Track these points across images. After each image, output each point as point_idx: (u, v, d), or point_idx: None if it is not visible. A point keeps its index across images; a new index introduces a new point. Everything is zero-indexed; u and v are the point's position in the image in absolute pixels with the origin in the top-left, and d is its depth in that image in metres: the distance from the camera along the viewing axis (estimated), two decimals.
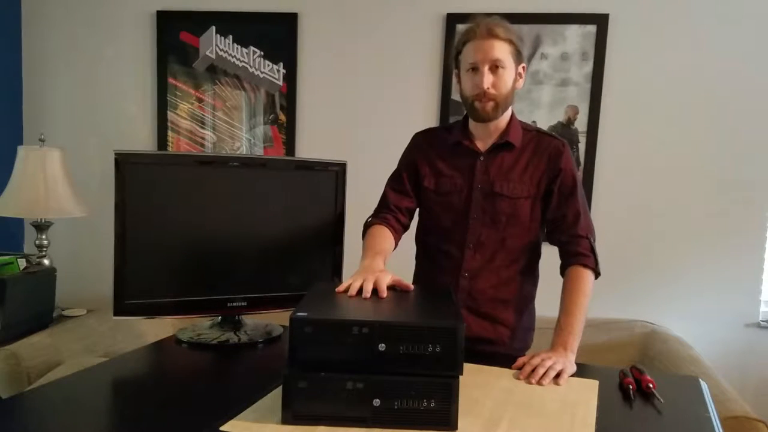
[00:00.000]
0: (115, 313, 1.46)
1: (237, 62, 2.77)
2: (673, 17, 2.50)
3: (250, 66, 2.77)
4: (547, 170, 1.52)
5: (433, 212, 1.59)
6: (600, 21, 2.53)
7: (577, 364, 1.34)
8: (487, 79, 1.44)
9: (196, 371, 1.39)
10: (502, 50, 1.43)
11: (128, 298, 1.46)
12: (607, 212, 2.56)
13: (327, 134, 2.76)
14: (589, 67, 2.56)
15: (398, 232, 1.60)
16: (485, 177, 1.52)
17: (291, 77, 2.75)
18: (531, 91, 2.60)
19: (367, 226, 1.59)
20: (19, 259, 2.43)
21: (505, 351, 1.54)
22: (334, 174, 1.67)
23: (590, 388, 1.24)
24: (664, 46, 2.51)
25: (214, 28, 2.76)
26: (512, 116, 1.55)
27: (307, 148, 2.77)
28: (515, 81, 1.49)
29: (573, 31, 2.56)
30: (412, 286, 1.29)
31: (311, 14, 2.72)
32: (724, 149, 2.51)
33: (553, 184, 1.52)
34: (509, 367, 1.33)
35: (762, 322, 2.54)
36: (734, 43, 2.47)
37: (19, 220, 2.78)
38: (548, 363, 1.29)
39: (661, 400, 1.18)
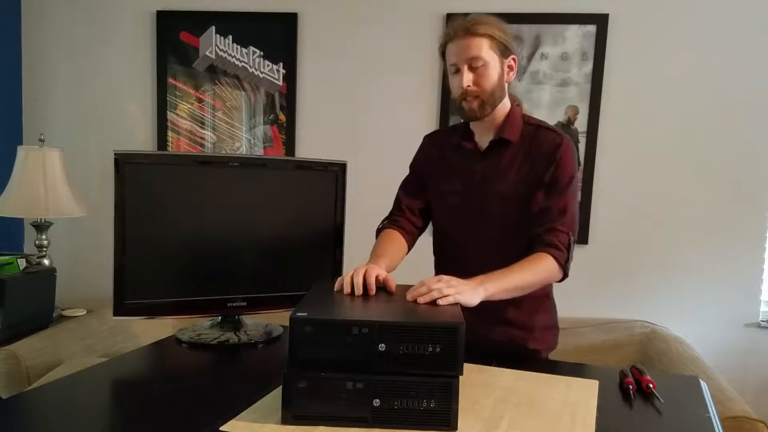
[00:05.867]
0: (115, 314, 1.46)
1: (237, 62, 2.77)
2: (673, 17, 2.50)
3: (250, 66, 2.77)
4: (540, 165, 1.45)
5: (437, 213, 1.60)
6: (600, 21, 2.53)
7: (577, 364, 1.34)
8: (467, 77, 1.42)
9: (196, 371, 1.38)
10: (480, 47, 1.40)
11: (128, 299, 1.46)
12: (607, 212, 2.56)
13: (327, 134, 2.76)
14: (589, 67, 2.56)
15: (410, 233, 1.59)
16: (482, 177, 1.51)
17: (291, 77, 2.75)
18: (531, 91, 2.60)
19: (379, 231, 1.59)
20: (19, 259, 2.43)
21: (521, 352, 1.51)
22: (334, 174, 1.67)
23: (590, 388, 1.24)
24: (664, 46, 2.51)
25: (214, 28, 2.76)
26: (511, 110, 1.50)
27: (307, 148, 2.77)
28: (502, 75, 1.45)
29: (573, 31, 2.56)
30: (394, 288, 1.28)
31: (311, 14, 2.72)
32: (724, 149, 2.51)
33: (544, 176, 1.44)
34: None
35: (762, 322, 2.54)
36: (734, 42, 2.47)
37: (19, 220, 2.78)
38: (435, 285, 1.18)
39: (661, 400, 1.18)
